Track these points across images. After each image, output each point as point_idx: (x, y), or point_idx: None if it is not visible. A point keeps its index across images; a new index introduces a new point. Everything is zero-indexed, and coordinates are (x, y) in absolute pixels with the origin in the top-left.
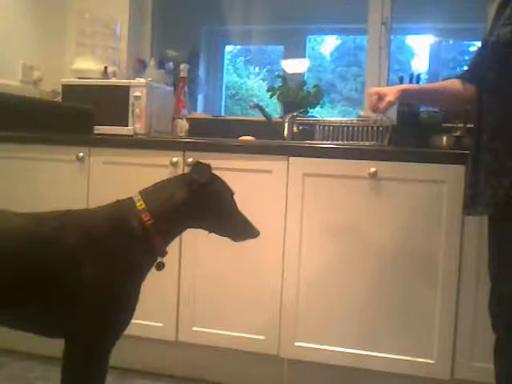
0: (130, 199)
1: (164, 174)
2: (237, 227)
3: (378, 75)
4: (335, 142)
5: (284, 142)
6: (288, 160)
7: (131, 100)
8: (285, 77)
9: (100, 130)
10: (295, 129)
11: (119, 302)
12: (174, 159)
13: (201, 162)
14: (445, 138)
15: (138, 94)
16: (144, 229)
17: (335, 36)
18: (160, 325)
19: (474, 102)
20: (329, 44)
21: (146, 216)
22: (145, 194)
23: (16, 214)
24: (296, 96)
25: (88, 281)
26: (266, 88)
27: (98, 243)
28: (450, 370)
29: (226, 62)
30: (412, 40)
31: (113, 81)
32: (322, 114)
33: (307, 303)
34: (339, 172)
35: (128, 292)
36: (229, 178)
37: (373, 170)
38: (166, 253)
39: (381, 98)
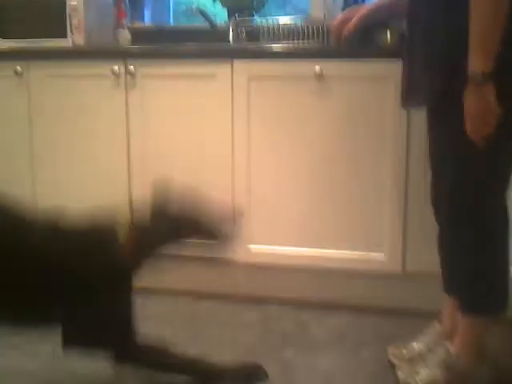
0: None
1: (106, 84)
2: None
3: None
4: (280, 43)
5: (227, 45)
6: (232, 63)
7: (68, 10)
8: None
9: (37, 42)
10: (240, 33)
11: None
12: (115, 67)
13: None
14: (389, 34)
15: (74, 2)
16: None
17: None
18: None
19: None
20: None
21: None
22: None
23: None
24: (240, 0)
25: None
26: None
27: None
28: (401, 263)
29: None
30: None
31: None
32: None
33: (259, 205)
34: (284, 73)
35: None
36: (171, 85)
37: (317, 67)
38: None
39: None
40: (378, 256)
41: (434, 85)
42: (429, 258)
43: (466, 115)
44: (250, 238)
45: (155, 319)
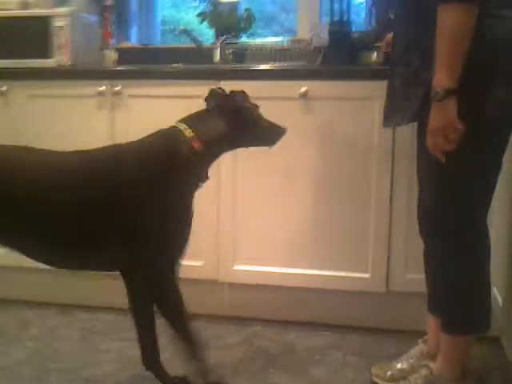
0: (176, 128)
1: (91, 104)
2: (269, 133)
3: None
4: (267, 64)
5: (214, 66)
6: (219, 84)
7: (53, 31)
8: (215, 2)
9: (22, 63)
10: (227, 54)
11: (179, 220)
12: (100, 88)
13: (232, 91)
14: (374, 55)
15: (60, 24)
16: (194, 155)
17: None
18: None
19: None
20: None
21: (196, 143)
22: (190, 122)
23: (64, 153)
24: (227, 20)
25: (149, 208)
26: (196, 14)
27: (156, 173)
28: (385, 283)
29: None
30: None
31: (32, 11)
32: None
33: (243, 227)
34: (271, 93)
35: (183, 212)
36: (157, 105)
37: (303, 89)
38: (208, 177)
39: None
40: (362, 276)
41: (411, 105)
42: (412, 278)
43: (428, 131)
44: (235, 259)
45: None
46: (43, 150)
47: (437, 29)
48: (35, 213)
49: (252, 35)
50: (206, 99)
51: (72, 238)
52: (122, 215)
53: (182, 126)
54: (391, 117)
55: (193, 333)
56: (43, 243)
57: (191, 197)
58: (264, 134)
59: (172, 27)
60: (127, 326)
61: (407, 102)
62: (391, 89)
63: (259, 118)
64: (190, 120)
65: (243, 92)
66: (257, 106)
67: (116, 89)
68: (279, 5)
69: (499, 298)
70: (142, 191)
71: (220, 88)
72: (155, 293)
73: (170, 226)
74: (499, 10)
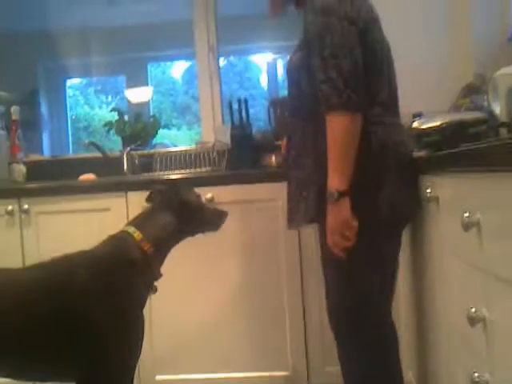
0: (124, 232)
1: (1, 223)
2: (214, 219)
3: (211, 99)
4: (173, 172)
5: (120, 178)
6: (126, 195)
7: None
8: (120, 110)
9: None
10: (135, 163)
11: (135, 330)
12: (9, 207)
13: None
14: (274, 157)
15: None
16: (145, 257)
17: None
18: None
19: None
20: (178, 67)
21: (146, 245)
22: (138, 223)
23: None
24: (133, 129)
25: (103, 317)
26: (103, 123)
27: (109, 281)
28: (306, 379)
29: (77, 93)
30: (257, 58)
31: None
32: (179, 137)
33: (160, 335)
34: None
35: (139, 318)
36: (67, 220)
37: (209, 195)
38: (161, 275)
39: None
40: (282, 374)
41: (308, 206)
42: (331, 371)
43: (327, 230)
44: (156, 368)
45: None
46: None
47: (327, 135)
48: None
49: (167, 126)
50: (147, 200)
51: (33, 351)
52: (79, 325)
53: (131, 229)
54: (292, 219)
55: None
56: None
57: (146, 298)
58: (210, 220)
59: (85, 124)
60: None
61: (303, 204)
62: (289, 192)
63: (203, 206)
64: (138, 221)
65: (184, 182)
66: (199, 195)
67: (24, 206)
68: (191, 95)
69: (414, 382)
70: (97, 301)
71: (164, 182)
72: None
73: (128, 333)
74: (379, 117)
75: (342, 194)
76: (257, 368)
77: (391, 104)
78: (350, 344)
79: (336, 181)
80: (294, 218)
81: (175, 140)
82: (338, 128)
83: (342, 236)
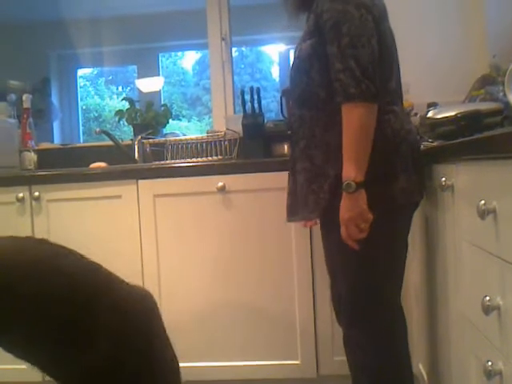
0: None
1: (11, 211)
2: None
3: (223, 88)
4: (184, 160)
5: (131, 166)
6: (137, 183)
7: None
8: (131, 99)
9: None
10: (147, 151)
11: None
12: (20, 195)
13: None
14: (286, 146)
15: None
16: None
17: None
18: None
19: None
20: (189, 58)
21: None
22: None
23: None
24: (144, 118)
25: None
26: (114, 112)
27: None
28: (316, 368)
29: (87, 84)
30: (269, 49)
31: None
32: (189, 128)
33: (170, 321)
34: (188, 190)
35: None
36: (77, 207)
37: (220, 184)
38: None
39: None
40: (293, 363)
41: (319, 199)
42: (340, 361)
43: (341, 221)
44: None
45: None
46: None
47: (343, 126)
48: None
49: (177, 117)
50: None
51: None
52: None
53: None
54: (296, 212)
55: None
56: None
57: None
58: None
59: (96, 115)
60: None
61: (313, 196)
62: (294, 185)
63: None
64: None
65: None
66: None
67: (35, 194)
68: (201, 87)
69: (424, 374)
70: None
71: None
72: None
73: None
74: (391, 106)
75: (359, 186)
76: (268, 357)
77: (399, 92)
78: (362, 329)
79: (353, 172)
80: (300, 211)
81: (185, 131)
82: (356, 118)
83: (356, 227)
